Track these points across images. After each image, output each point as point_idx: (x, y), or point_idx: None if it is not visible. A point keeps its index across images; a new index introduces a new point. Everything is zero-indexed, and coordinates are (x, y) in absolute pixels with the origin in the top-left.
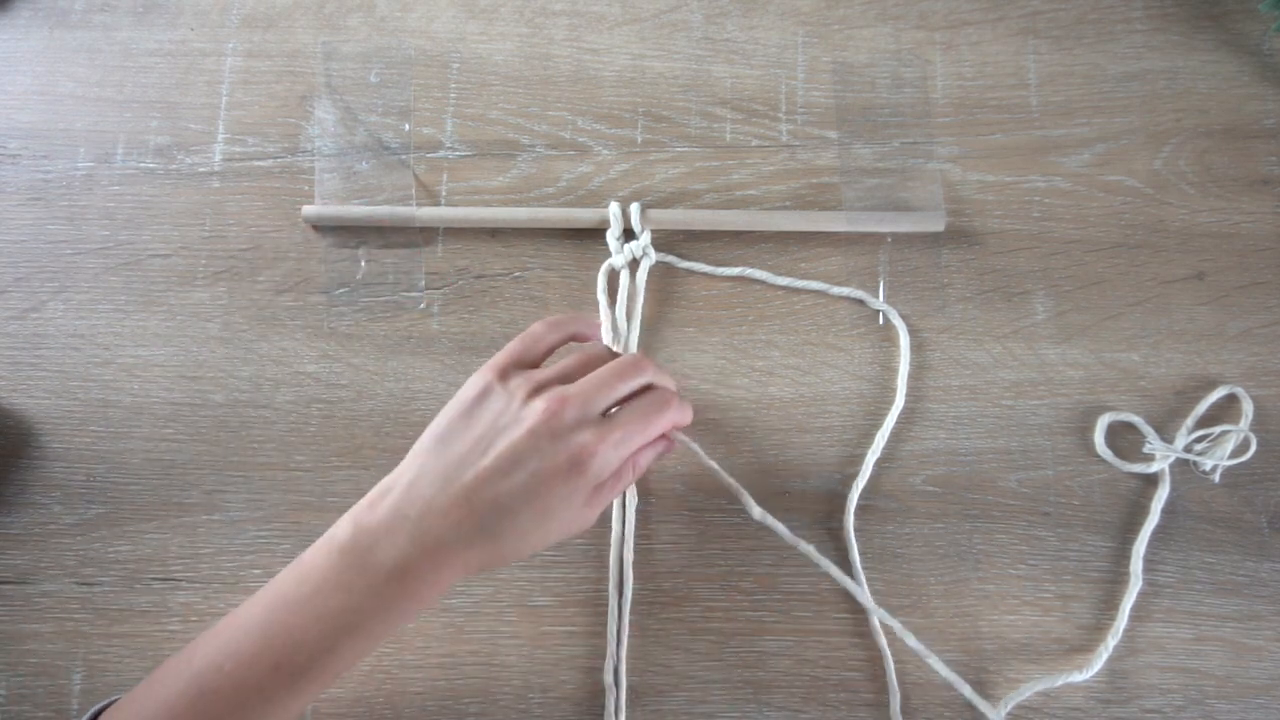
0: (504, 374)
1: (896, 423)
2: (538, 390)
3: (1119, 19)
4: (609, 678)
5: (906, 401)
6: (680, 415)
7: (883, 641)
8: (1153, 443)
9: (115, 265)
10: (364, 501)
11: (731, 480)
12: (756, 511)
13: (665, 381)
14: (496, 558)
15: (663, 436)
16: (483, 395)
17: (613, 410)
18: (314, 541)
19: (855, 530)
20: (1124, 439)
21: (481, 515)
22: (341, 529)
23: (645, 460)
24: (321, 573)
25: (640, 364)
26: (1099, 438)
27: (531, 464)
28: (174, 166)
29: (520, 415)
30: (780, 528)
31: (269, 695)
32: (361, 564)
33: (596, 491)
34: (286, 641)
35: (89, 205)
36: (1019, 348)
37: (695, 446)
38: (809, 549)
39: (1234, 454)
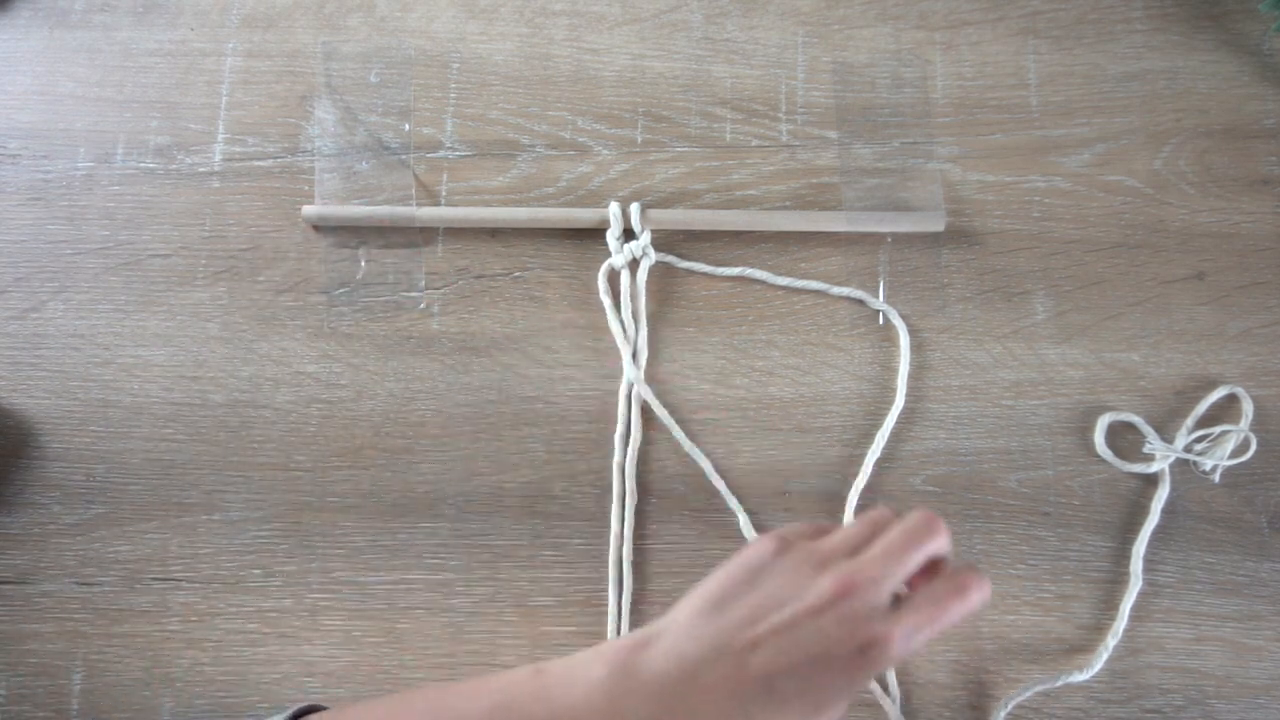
0: (786, 544)
1: (896, 423)
2: (824, 564)
3: (1119, 19)
4: None
5: (906, 401)
6: (980, 598)
7: None
8: (1153, 443)
9: (115, 265)
10: (625, 642)
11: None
12: (750, 535)
13: (950, 552)
14: None
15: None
16: (765, 562)
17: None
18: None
19: None
20: (1124, 439)
21: (749, 701)
22: (597, 665)
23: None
24: (563, 702)
25: (933, 526)
26: (1099, 438)
27: (814, 647)
28: (174, 166)
29: (805, 591)
30: None
31: None
32: (610, 710)
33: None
34: None
35: (89, 205)
36: (1019, 348)
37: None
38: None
39: (1234, 454)
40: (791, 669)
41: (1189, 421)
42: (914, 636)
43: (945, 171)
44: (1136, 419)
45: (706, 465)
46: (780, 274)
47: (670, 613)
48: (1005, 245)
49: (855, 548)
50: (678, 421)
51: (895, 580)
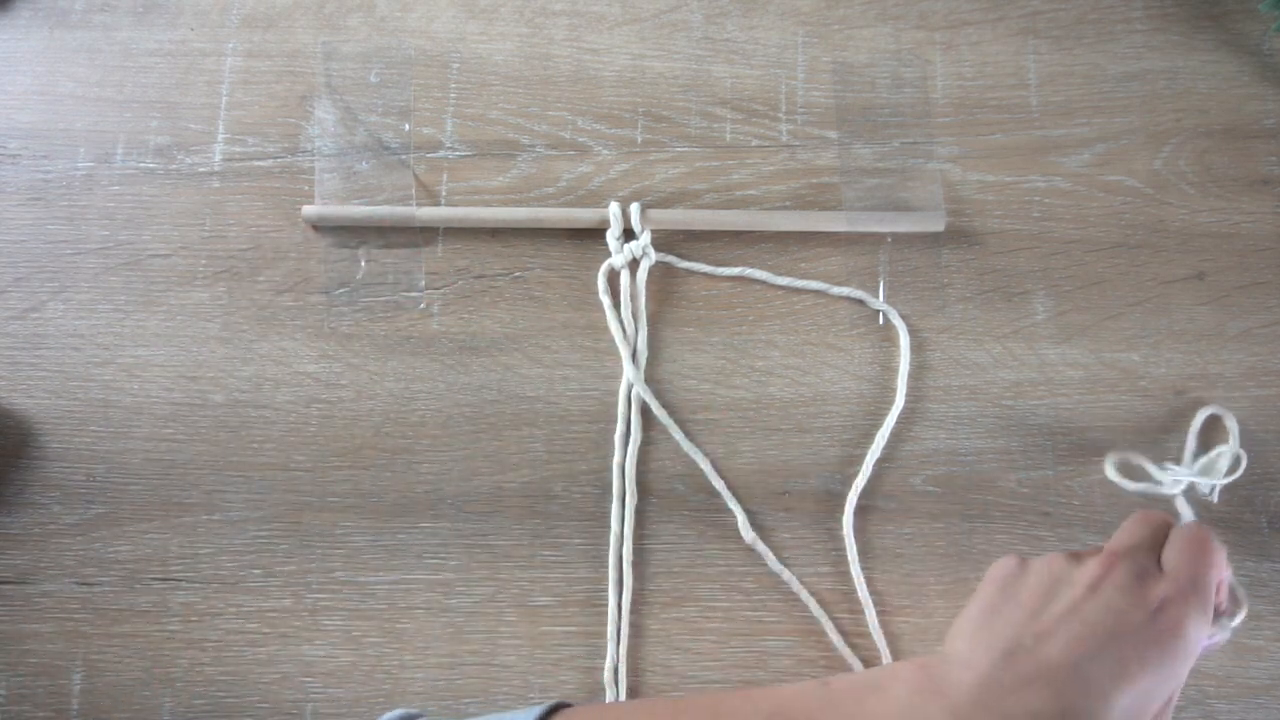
0: (1024, 558)
1: (896, 423)
2: (1073, 558)
3: (1119, 19)
4: (609, 677)
5: (906, 401)
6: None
7: (881, 642)
8: (1159, 478)
9: (115, 265)
10: (914, 663)
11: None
12: (748, 535)
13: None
14: None
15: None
16: (1013, 573)
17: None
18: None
19: (855, 530)
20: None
21: (1064, 694)
22: (893, 683)
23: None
24: (860, 716)
25: (1150, 515)
26: (1110, 473)
27: (1106, 621)
28: (174, 166)
29: (1072, 577)
30: (768, 554)
31: None
32: None
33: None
34: None
35: (89, 205)
36: (1019, 348)
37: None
38: (791, 577)
39: (1229, 472)
40: (1094, 649)
41: (1189, 448)
42: (1201, 593)
43: (945, 171)
44: (1141, 460)
45: (706, 465)
46: (780, 274)
47: (944, 646)
48: (1005, 245)
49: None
50: (677, 421)
51: (1151, 551)
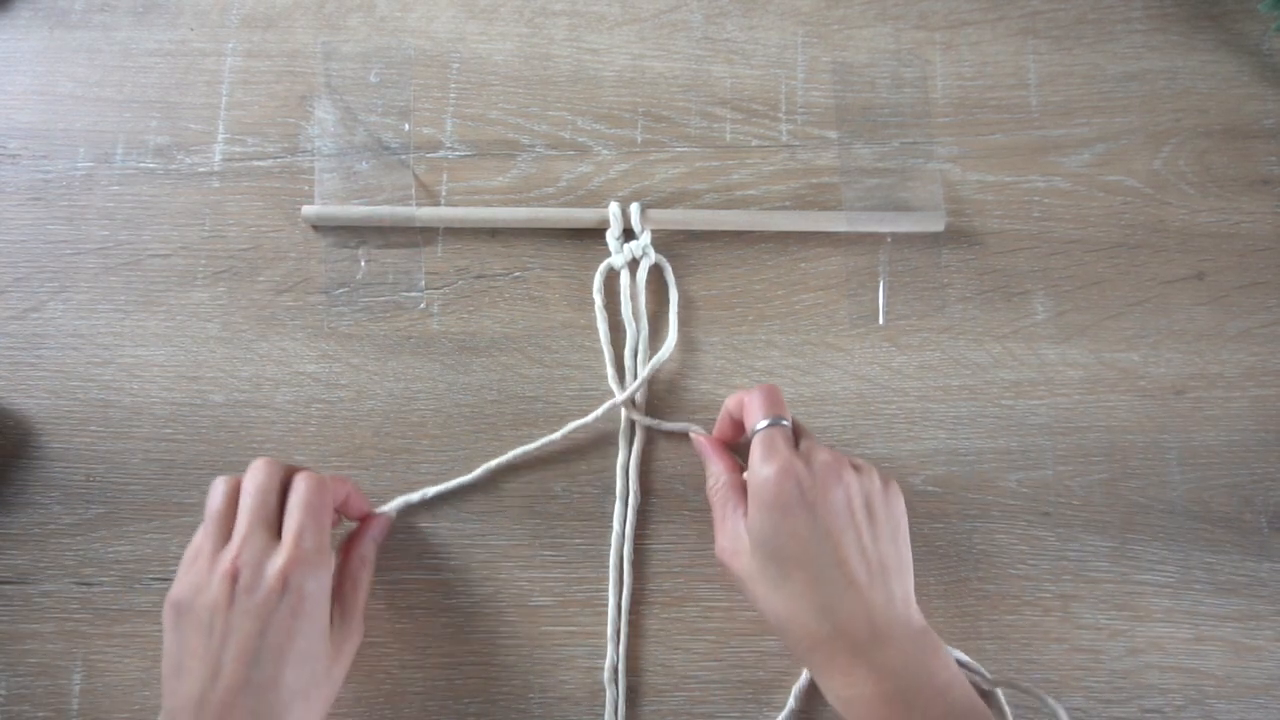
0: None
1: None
2: (213, 571)
3: (1119, 19)
4: (609, 677)
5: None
6: (337, 483)
7: None
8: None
9: (115, 265)
10: None
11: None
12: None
13: (294, 468)
14: None
15: (367, 526)
16: (177, 617)
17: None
18: None
19: None
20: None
21: (250, 706)
22: None
23: (369, 549)
24: None
25: (260, 466)
26: None
27: (250, 625)
28: (174, 166)
29: (213, 600)
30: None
31: None
32: None
33: (342, 604)
34: None
35: (89, 205)
36: (1019, 348)
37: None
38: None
39: None
40: (253, 656)
41: None
42: (312, 548)
43: (945, 171)
44: None
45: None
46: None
47: None
48: (1005, 245)
49: (222, 538)
50: (670, 437)
51: (262, 529)
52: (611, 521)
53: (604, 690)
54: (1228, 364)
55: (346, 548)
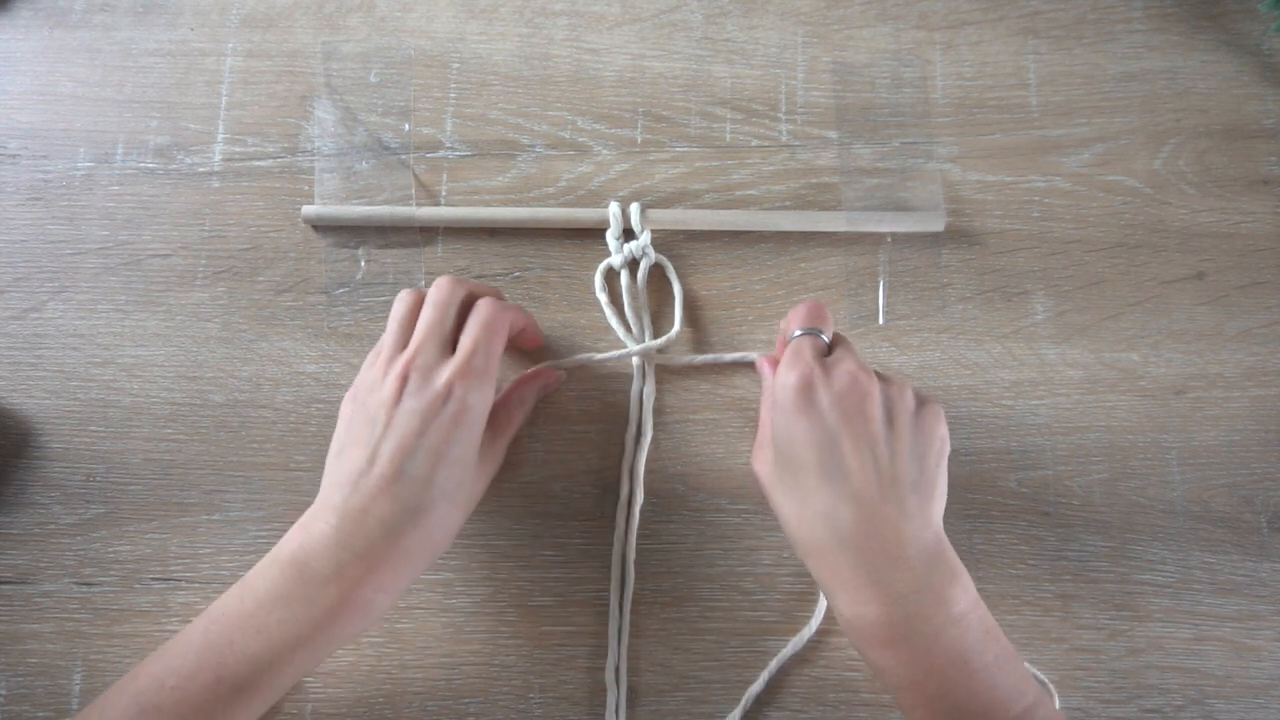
0: (358, 384)
1: None
2: (387, 370)
3: (1119, 19)
4: (610, 677)
5: None
6: (514, 312)
7: None
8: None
9: (115, 265)
10: (299, 523)
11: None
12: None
13: (484, 288)
14: (437, 532)
15: (538, 374)
16: (351, 406)
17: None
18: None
19: None
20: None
21: (399, 496)
22: (282, 547)
23: (530, 392)
24: (263, 587)
25: (446, 284)
26: None
27: (412, 424)
28: (174, 166)
29: (384, 396)
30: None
31: (211, 711)
32: (300, 576)
33: (493, 431)
34: (228, 655)
35: (89, 205)
36: (1019, 348)
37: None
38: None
39: None
40: (410, 451)
41: None
42: (480, 365)
43: (945, 171)
44: None
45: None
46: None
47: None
48: (1005, 245)
49: (401, 343)
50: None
51: (438, 338)
52: (611, 521)
53: (604, 690)
54: (1228, 364)
55: (510, 386)
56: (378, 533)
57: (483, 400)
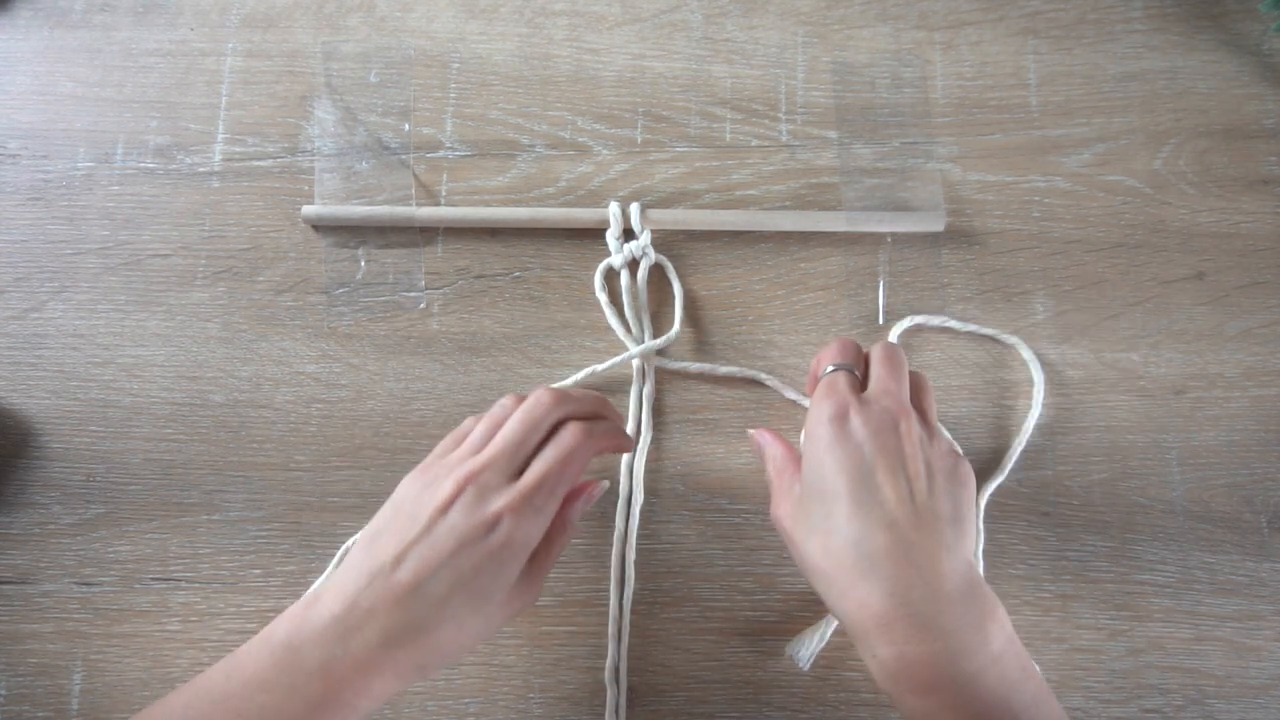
0: (425, 467)
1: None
2: (451, 471)
3: (1119, 19)
4: (609, 676)
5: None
6: (604, 440)
7: None
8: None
9: (115, 265)
10: (303, 599)
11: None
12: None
13: (585, 408)
14: (435, 655)
15: (585, 490)
16: (406, 491)
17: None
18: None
19: None
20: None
21: (410, 610)
22: (278, 626)
23: (575, 515)
24: (251, 668)
25: (543, 401)
26: None
27: (448, 543)
28: (174, 166)
29: (435, 498)
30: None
31: None
32: (290, 663)
33: (533, 562)
34: None
35: (89, 205)
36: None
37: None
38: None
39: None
40: (436, 568)
41: None
42: (542, 502)
43: (945, 171)
44: None
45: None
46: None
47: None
48: (1005, 245)
49: (481, 447)
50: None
51: (516, 459)
52: (611, 521)
53: (604, 690)
54: (1228, 364)
55: (559, 510)
56: (375, 640)
57: (528, 539)
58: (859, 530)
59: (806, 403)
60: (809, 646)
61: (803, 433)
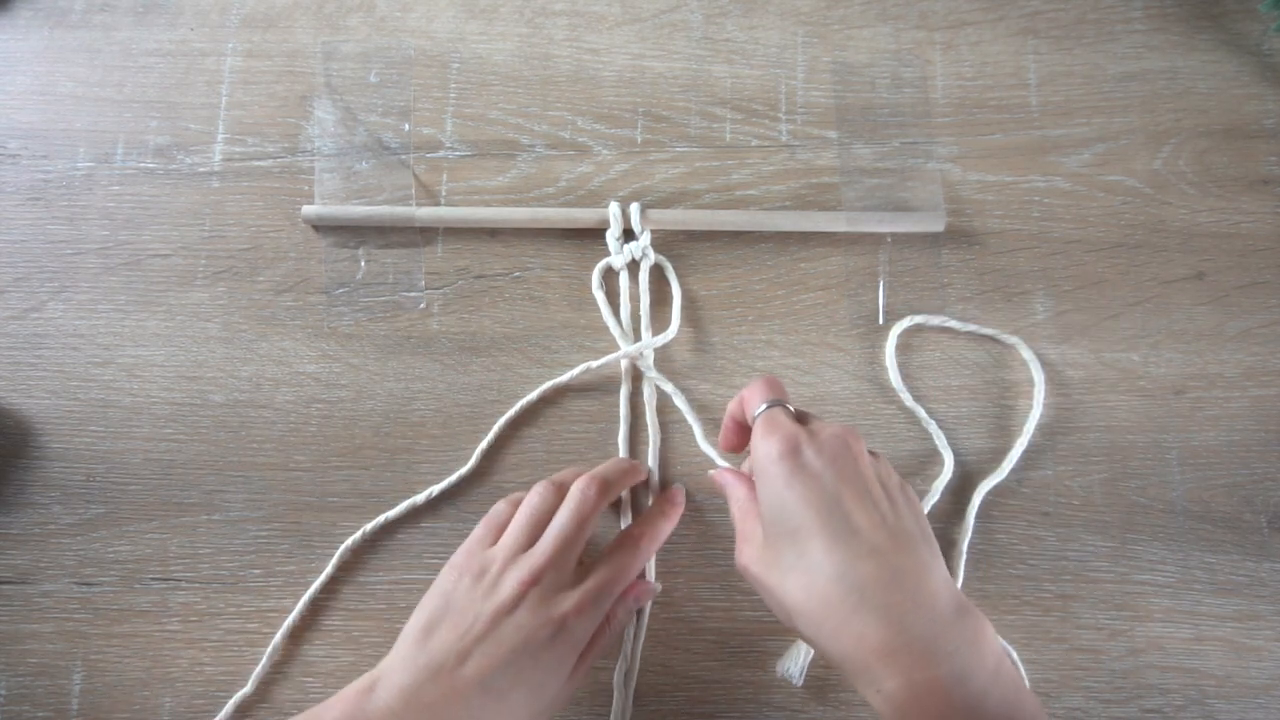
0: (469, 558)
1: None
2: (505, 566)
3: (1119, 19)
4: (618, 680)
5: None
6: (648, 546)
7: None
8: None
9: (115, 265)
10: (356, 688)
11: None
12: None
13: (625, 483)
14: None
15: (636, 591)
16: (454, 583)
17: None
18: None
19: None
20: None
21: (472, 706)
22: (329, 712)
23: (622, 616)
24: None
25: (589, 496)
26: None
27: (514, 640)
28: (174, 166)
29: (495, 596)
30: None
31: None
32: None
33: (580, 658)
34: None
35: (89, 205)
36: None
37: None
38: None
39: None
40: (501, 666)
41: None
42: (601, 602)
43: (945, 171)
44: None
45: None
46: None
47: (388, 656)
48: (1005, 245)
49: (528, 539)
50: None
51: (573, 556)
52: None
53: (605, 690)
54: (1228, 364)
55: (611, 609)
56: None
57: (586, 635)
58: (840, 563)
59: (714, 454)
60: (798, 661)
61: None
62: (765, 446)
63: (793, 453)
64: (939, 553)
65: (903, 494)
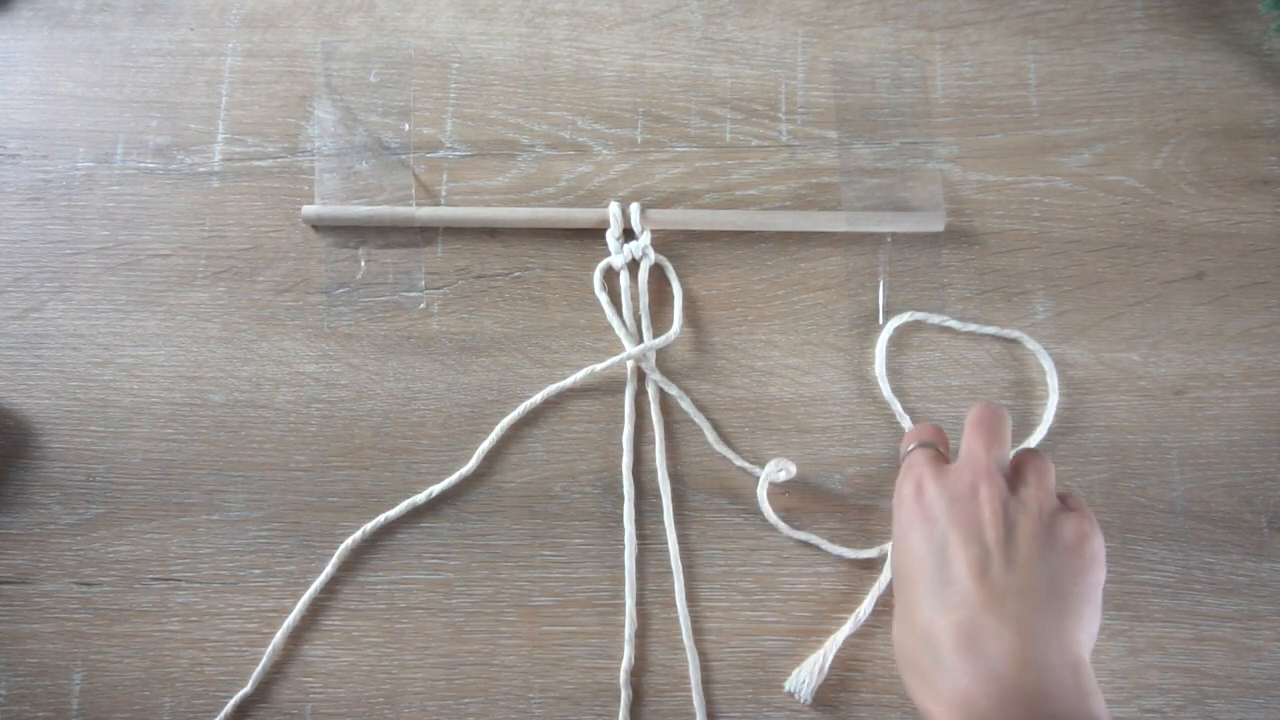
0: (920, 486)
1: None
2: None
3: (1119, 19)
4: (624, 678)
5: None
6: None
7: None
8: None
9: (115, 265)
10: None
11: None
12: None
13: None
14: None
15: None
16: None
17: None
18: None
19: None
20: None
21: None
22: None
23: None
24: None
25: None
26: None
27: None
28: (174, 166)
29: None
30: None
31: None
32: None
33: None
34: None
35: (89, 205)
36: (1019, 348)
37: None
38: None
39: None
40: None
41: None
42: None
43: (945, 171)
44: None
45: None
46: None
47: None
48: (1005, 245)
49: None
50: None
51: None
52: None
53: (606, 690)
54: (1228, 364)
55: None
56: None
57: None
58: (928, 615)
59: (732, 455)
60: (809, 682)
61: None
62: (899, 490)
63: (916, 494)
64: (1073, 616)
65: (1044, 543)
